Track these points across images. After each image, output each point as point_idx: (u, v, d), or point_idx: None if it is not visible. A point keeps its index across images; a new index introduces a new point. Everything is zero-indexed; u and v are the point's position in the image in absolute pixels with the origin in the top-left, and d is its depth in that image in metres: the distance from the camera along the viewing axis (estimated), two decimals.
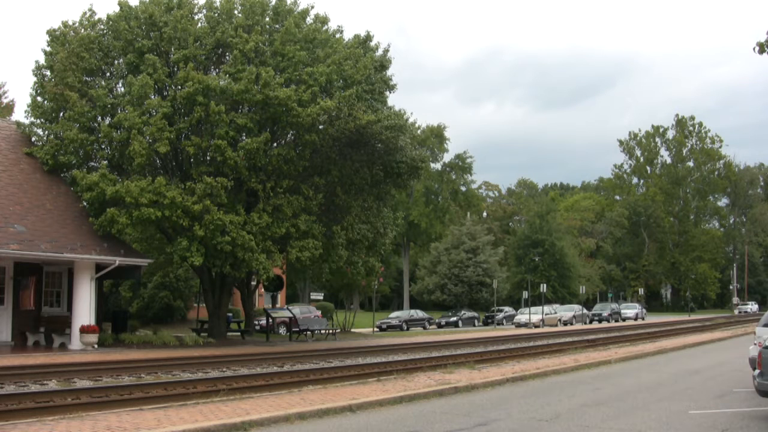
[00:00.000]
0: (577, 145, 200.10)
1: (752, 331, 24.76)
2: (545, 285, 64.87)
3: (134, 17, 28.31)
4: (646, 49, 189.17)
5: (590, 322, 62.22)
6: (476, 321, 58.60)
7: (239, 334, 33.46)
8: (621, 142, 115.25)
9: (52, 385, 15.72)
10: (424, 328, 52.81)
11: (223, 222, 25.38)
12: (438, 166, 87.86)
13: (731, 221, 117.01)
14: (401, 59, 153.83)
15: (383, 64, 29.92)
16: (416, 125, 72.07)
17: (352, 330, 42.72)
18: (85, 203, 27.41)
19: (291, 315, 36.70)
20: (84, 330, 24.16)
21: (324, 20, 29.92)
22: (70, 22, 29.17)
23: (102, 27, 29.27)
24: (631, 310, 69.50)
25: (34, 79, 29.13)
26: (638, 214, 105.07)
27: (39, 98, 28.84)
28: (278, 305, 47.07)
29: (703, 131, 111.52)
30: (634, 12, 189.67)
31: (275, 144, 28.61)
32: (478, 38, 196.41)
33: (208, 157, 27.62)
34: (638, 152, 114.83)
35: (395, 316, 54.72)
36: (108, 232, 25.81)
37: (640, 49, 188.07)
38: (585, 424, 11.40)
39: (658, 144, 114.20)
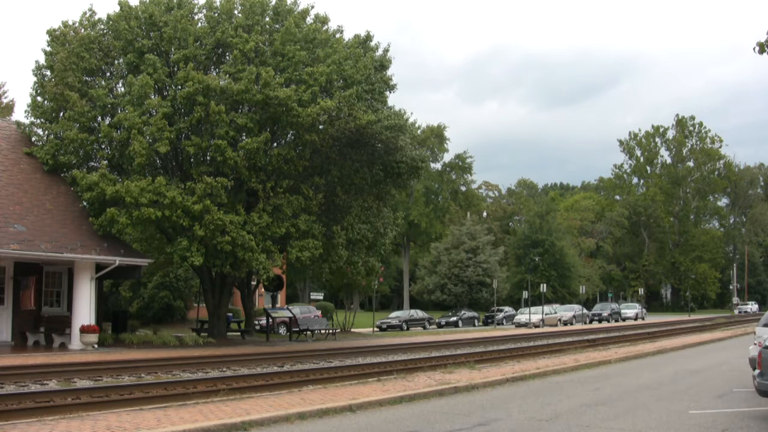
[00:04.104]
0: (577, 145, 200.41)
1: (752, 331, 24.77)
2: (545, 285, 64.88)
3: (134, 17, 28.31)
4: (649, 48, 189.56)
5: (590, 322, 62.21)
6: (476, 321, 58.59)
7: (239, 334, 33.46)
8: (621, 142, 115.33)
9: (52, 385, 15.72)
10: (424, 328, 52.81)
11: (223, 222, 25.37)
12: (438, 166, 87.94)
13: (731, 221, 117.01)
14: (403, 58, 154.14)
15: (383, 63, 29.91)
16: (416, 125, 72.17)
17: (352, 330, 42.71)
18: (85, 203, 27.41)
19: (291, 315, 36.71)
20: (84, 330, 24.16)
21: (324, 20, 29.92)
22: (70, 22, 29.20)
23: (102, 27, 29.29)
24: (631, 310, 69.49)
25: (34, 79, 29.16)
26: (638, 214, 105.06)
27: (39, 98, 28.84)
28: (278, 305, 47.08)
29: (703, 131, 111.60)
30: (637, 11, 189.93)
31: (275, 144, 28.62)
32: (482, 37, 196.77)
33: (208, 157, 27.62)
34: (638, 152, 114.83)
35: (395, 316, 54.71)
36: (108, 232, 25.82)
37: (643, 48, 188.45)
38: (585, 424, 11.40)
39: (658, 144, 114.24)
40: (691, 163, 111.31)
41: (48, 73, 28.70)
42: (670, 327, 47.25)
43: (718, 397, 14.61)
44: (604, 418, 11.90)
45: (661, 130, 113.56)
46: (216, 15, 28.86)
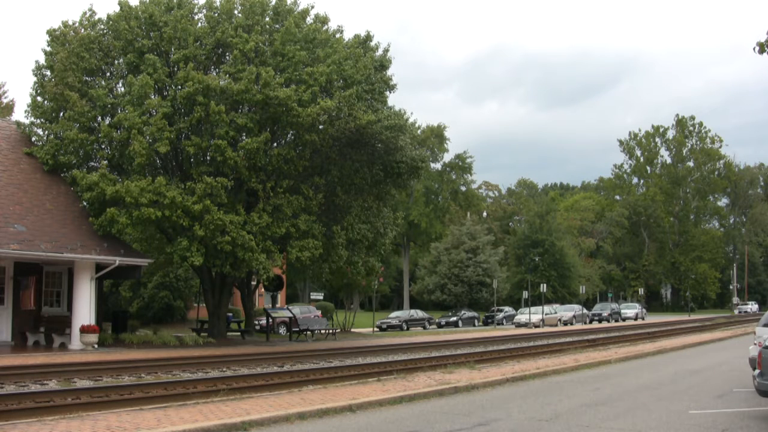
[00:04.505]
0: (577, 145, 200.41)
1: (752, 331, 24.77)
2: (545, 285, 64.86)
3: (134, 17, 28.31)
4: (649, 47, 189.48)
5: (590, 322, 62.20)
6: (476, 321, 58.59)
7: (239, 334, 33.47)
8: (621, 142, 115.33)
9: (52, 385, 15.72)
10: (424, 328, 52.80)
11: (223, 222, 25.37)
12: (438, 166, 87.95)
13: (731, 221, 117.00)
14: (403, 58, 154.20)
15: (383, 63, 29.92)
16: (416, 125, 72.15)
17: (352, 330, 42.72)
18: (85, 203, 27.41)
19: (291, 315, 36.71)
20: (84, 330, 24.16)
21: (324, 20, 29.92)
22: (70, 22, 29.20)
23: (102, 27, 29.30)
24: (631, 310, 69.49)
25: (34, 79, 29.16)
26: (638, 214, 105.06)
27: (39, 98, 28.84)
28: (278, 305, 47.08)
29: (703, 131, 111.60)
30: (637, 11, 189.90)
31: (275, 144, 28.62)
32: (482, 37, 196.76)
33: (208, 157, 27.62)
34: (638, 152, 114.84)
35: (395, 316, 54.70)
36: (108, 232, 25.82)
37: (643, 48, 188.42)
38: (585, 424, 11.40)
39: (658, 144, 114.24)
40: (691, 163, 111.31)
41: (48, 73, 28.70)
42: (670, 327, 47.24)
43: (718, 397, 14.61)
44: (604, 418, 11.90)
45: (661, 130, 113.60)
46: (216, 15, 28.86)
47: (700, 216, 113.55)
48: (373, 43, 30.09)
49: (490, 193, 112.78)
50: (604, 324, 59.72)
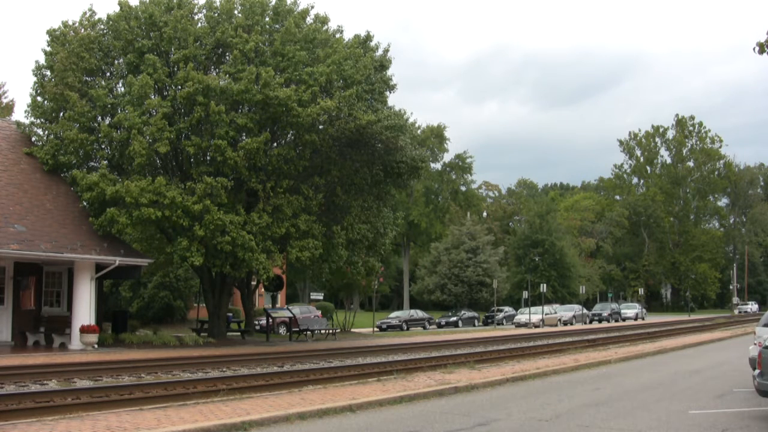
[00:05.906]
0: (577, 145, 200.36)
1: (752, 331, 24.77)
2: (545, 285, 64.85)
3: (134, 17, 28.31)
4: (650, 47, 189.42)
5: (590, 322, 62.22)
6: (476, 321, 58.59)
7: (239, 334, 33.47)
8: (621, 142, 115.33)
9: (52, 385, 15.72)
10: (424, 328, 52.81)
11: (223, 222, 25.37)
12: (438, 166, 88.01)
13: (731, 221, 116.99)
14: (405, 57, 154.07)
15: (383, 64, 29.93)
16: (416, 125, 72.17)
17: (352, 330, 42.73)
18: (85, 203, 27.41)
19: (291, 315, 36.72)
20: (84, 330, 24.16)
21: (324, 20, 29.92)
22: (70, 22, 29.21)
23: (102, 27, 29.30)
24: (631, 310, 69.49)
25: (34, 79, 29.16)
26: (638, 214, 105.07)
27: (39, 98, 28.84)
28: (278, 305, 47.08)
29: (703, 131, 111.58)
30: (638, 10, 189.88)
31: (275, 144, 28.63)
32: (483, 36, 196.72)
33: (208, 157, 27.63)
34: (638, 152, 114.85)
35: (395, 316, 54.69)
36: (108, 232, 25.82)
37: (644, 48, 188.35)
38: (585, 424, 11.40)
39: (658, 144, 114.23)
40: (691, 163, 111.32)
41: (48, 73, 28.70)
42: (670, 327, 47.24)
43: (718, 397, 14.61)
44: (604, 418, 11.90)
45: (661, 130, 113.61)
46: (216, 15, 28.86)
47: (700, 216, 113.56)
48: (373, 43, 30.12)
49: (490, 193, 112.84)
50: (604, 324, 59.72)
